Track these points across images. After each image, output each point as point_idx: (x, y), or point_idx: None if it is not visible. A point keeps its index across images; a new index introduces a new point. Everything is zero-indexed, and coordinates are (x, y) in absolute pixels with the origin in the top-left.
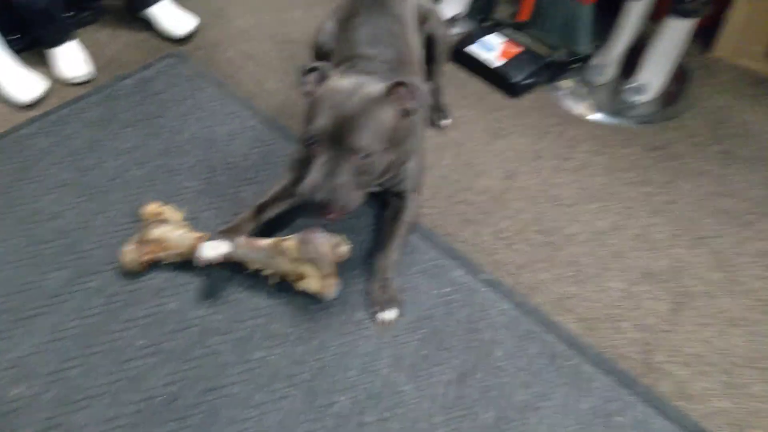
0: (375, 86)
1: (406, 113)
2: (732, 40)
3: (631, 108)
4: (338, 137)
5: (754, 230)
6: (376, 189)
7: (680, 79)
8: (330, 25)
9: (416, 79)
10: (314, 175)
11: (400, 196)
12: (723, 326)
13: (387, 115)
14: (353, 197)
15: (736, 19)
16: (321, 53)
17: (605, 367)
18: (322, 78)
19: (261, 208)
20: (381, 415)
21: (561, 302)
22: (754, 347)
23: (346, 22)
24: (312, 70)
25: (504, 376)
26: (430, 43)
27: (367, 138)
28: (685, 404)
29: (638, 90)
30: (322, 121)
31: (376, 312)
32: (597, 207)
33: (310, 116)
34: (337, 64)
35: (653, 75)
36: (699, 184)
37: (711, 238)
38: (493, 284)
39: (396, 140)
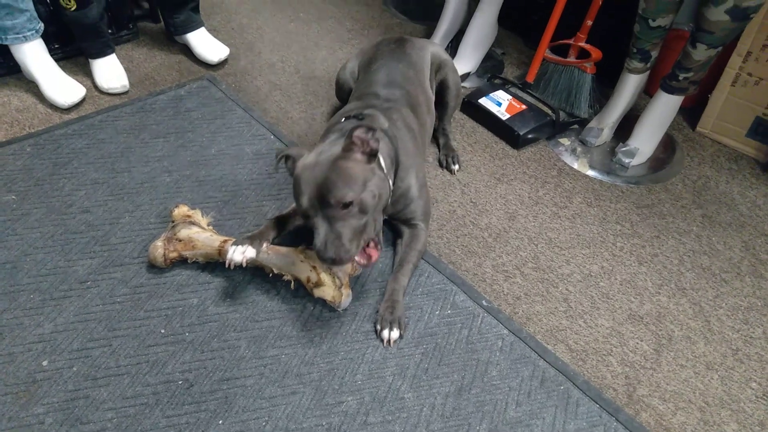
0: (335, 148)
1: (371, 155)
2: (714, 119)
3: (622, 168)
4: (322, 202)
5: (730, 287)
6: (385, 217)
7: (668, 148)
8: (352, 66)
9: (371, 117)
10: (319, 239)
11: (410, 225)
12: (700, 369)
13: (352, 165)
14: (353, 248)
15: (717, 101)
16: (342, 89)
17: (592, 395)
18: (295, 160)
19: (282, 220)
20: (384, 417)
21: (553, 333)
22: (728, 390)
23: (367, 65)
24: (285, 157)
25: (498, 394)
26: (442, 89)
27: (343, 189)
28: None
29: (629, 153)
30: (305, 197)
31: (381, 330)
32: (589, 252)
33: (295, 196)
34: (353, 100)
35: (644, 141)
36: (682, 241)
37: (691, 290)
38: (492, 311)
39: (374, 182)
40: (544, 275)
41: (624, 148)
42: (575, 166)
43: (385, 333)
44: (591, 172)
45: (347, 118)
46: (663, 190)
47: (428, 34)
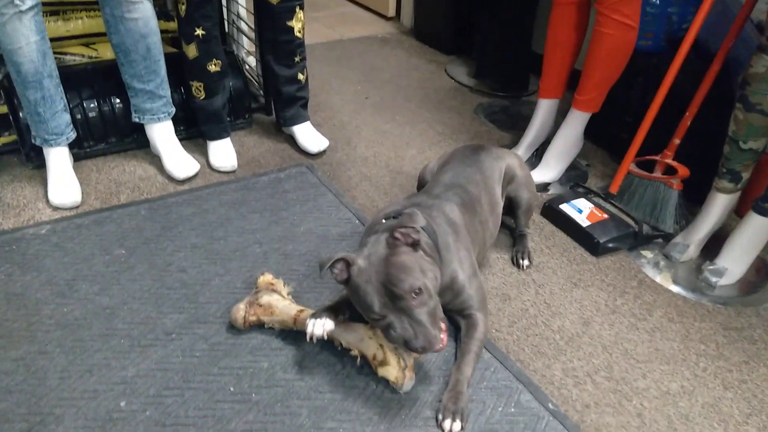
0: (380, 248)
1: (414, 245)
2: None
3: (709, 287)
4: (392, 297)
5: None
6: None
7: (762, 272)
8: (432, 166)
9: (410, 216)
10: (406, 332)
11: (465, 316)
12: None
13: (404, 257)
14: (435, 331)
15: None
16: (421, 184)
17: None
18: (348, 265)
19: None
20: None
21: None
22: None
23: (442, 165)
24: (337, 261)
25: None
26: (512, 204)
27: (408, 279)
28: None
29: (717, 273)
30: (374, 299)
31: (443, 419)
32: (669, 369)
33: (363, 305)
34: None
35: (733, 262)
36: None
37: None
38: (558, 415)
39: (427, 267)
40: (618, 386)
41: (711, 267)
42: (657, 279)
43: (447, 423)
44: (674, 288)
45: (387, 219)
46: (755, 314)
47: (515, 142)
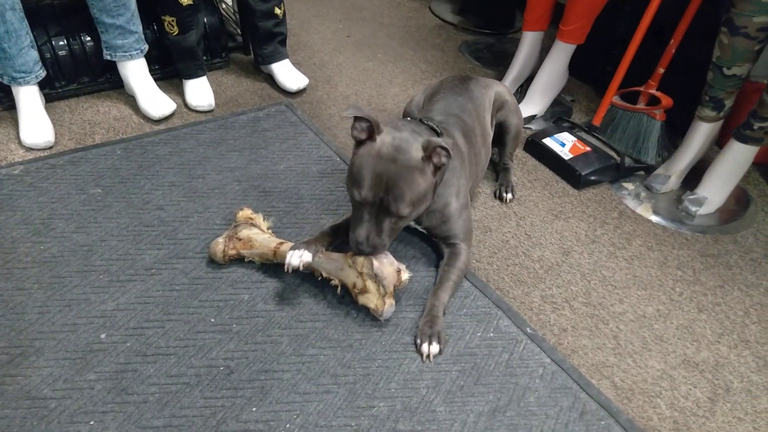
0: (414, 151)
1: (438, 168)
2: None
3: (688, 217)
4: (381, 205)
5: None
6: (422, 230)
7: (741, 201)
8: (418, 99)
9: (446, 139)
10: (360, 232)
11: (449, 245)
12: (761, 425)
13: (424, 179)
14: (387, 243)
15: None
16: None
17: None
18: (371, 132)
19: (336, 229)
20: (413, 427)
21: (599, 368)
22: None
23: (431, 96)
24: (366, 120)
25: (533, 420)
26: (501, 129)
27: (407, 207)
28: None
29: (697, 202)
30: (367, 190)
31: (421, 344)
32: (645, 294)
33: (355, 178)
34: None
35: (713, 191)
36: (749, 294)
37: (756, 344)
38: (536, 339)
39: (429, 197)
40: (595, 311)
41: (692, 196)
42: (638, 210)
43: (425, 347)
44: (654, 218)
45: (421, 121)
46: (731, 241)
47: (500, 80)
